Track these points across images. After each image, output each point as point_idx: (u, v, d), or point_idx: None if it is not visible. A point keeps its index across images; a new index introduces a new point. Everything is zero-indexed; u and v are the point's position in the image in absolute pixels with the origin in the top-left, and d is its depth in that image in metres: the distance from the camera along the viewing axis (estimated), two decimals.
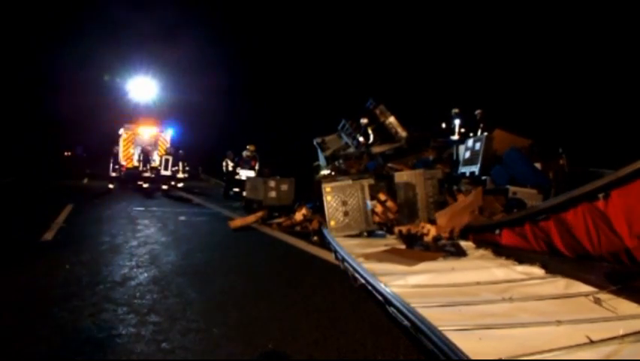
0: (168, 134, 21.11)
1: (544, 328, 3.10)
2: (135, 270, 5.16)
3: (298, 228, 8.41)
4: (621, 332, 2.91)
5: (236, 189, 15.80)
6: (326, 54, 29.69)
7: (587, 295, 3.89)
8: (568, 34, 18.88)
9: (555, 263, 4.94)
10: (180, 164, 18.18)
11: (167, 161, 17.46)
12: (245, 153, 16.20)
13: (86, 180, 21.34)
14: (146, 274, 4.98)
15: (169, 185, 17.21)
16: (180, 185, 17.95)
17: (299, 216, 8.73)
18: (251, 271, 5.54)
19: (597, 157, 8.42)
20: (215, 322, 3.55)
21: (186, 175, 18.56)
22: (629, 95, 15.09)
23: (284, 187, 10.88)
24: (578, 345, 2.77)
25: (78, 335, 3.22)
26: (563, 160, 8.51)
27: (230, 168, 16.38)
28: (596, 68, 16.84)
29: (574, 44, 18.49)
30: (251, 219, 9.13)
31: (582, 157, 8.88)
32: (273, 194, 10.77)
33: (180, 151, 18.91)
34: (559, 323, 3.15)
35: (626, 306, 3.56)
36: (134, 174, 18.10)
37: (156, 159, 18.62)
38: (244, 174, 15.34)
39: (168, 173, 17.26)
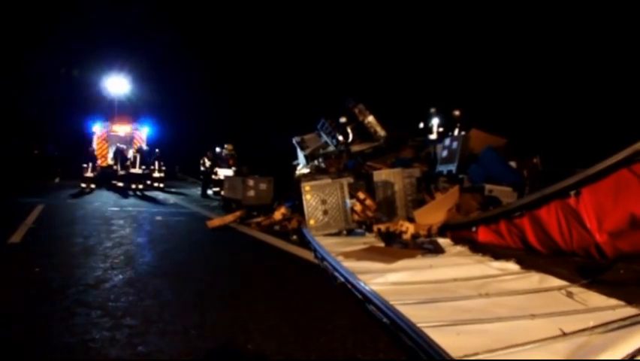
0: (144, 132, 20.79)
1: (520, 322, 3.18)
2: (110, 272, 5.04)
3: (277, 227, 8.38)
4: (591, 324, 3.02)
5: (215, 189, 15.68)
6: (305, 53, 29.65)
7: (559, 289, 4.00)
8: (543, 34, 19.29)
9: (529, 259, 5.09)
10: (156, 163, 17.88)
11: (135, 158, 17.11)
12: (223, 152, 16.07)
13: (57, 180, 20.78)
14: (121, 276, 4.88)
15: (144, 184, 16.89)
16: (156, 184, 17.65)
17: (278, 215, 8.71)
18: (229, 271, 5.50)
19: (569, 156, 8.63)
20: (193, 323, 3.50)
21: (163, 174, 18.27)
22: (599, 97, 15.51)
23: (263, 186, 10.85)
24: (552, 337, 2.85)
25: (48, 340, 3.12)
26: (536, 159, 8.69)
27: (208, 167, 16.22)
28: (570, 69, 17.25)
29: (549, 45, 18.90)
30: (229, 218, 9.06)
31: (555, 156, 9.08)
32: (251, 193, 10.72)
33: (156, 150, 18.59)
34: (533, 316, 3.24)
35: (595, 298, 3.69)
36: (108, 173, 17.73)
37: (131, 158, 18.29)
38: (222, 173, 15.21)
39: (138, 171, 16.87)
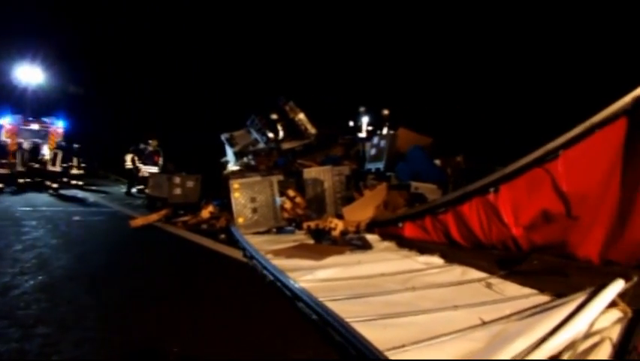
0: (61, 127, 19.40)
1: (444, 313, 3.30)
2: (19, 277, 4.61)
3: (205, 226, 8.14)
4: (508, 312, 3.21)
5: (139, 187, 15.04)
6: (236, 49, 29.15)
7: (479, 280, 4.21)
8: (464, 36, 20.28)
9: (453, 253, 5.33)
10: (75, 159, 16.78)
11: (55, 155, 15.96)
12: (147, 148, 15.43)
13: None
14: (32, 282, 4.48)
15: (60, 182, 15.77)
16: (75, 182, 16.58)
17: (205, 213, 8.49)
18: (154, 272, 5.24)
19: (490, 155, 9.11)
20: (115, 329, 3.29)
21: (82, 172, 17.18)
22: (517, 99, 16.57)
23: (190, 184, 10.54)
24: (473, 327, 2.99)
25: None
26: (460, 158, 9.12)
27: (132, 164, 15.49)
28: (491, 73, 18.26)
29: (471, 49, 19.90)
30: (154, 217, 8.70)
31: (477, 155, 9.56)
32: (178, 191, 10.38)
33: (75, 145, 17.44)
34: (456, 307, 3.37)
35: (512, 288, 3.93)
36: (19, 170, 16.34)
37: (46, 154, 17.00)
38: (147, 170, 14.61)
39: (57, 169, 15.75)
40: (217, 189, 9.78)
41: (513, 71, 17.26)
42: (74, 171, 16.68)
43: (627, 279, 3.10)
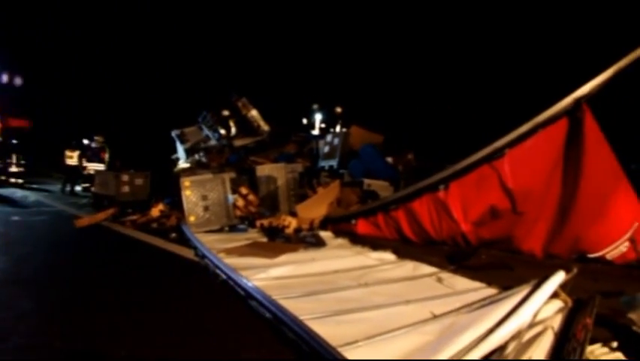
0: None
1: (396, 308, 3.34)
2: None
3: (155, 225, 7.89)
4: (458, 305, 3.29)
5: (85, 185, 14.42)
6: (188, 44, 28.44)
7: (430, 275, 4.30)
8: (416, 36, 20.71)
9: (404, 248, 5.43)
10: (14, 156, 15.86)
11: None
12: (92, 144, 14.82)
13: None
14: None
15: None
16: (14, 180, 15.68)
17: (155, 212, 8.24)
18: (100, 274, 5.00)
19: (440, 152, 9.35)
20: (57, 334, 3.08)
21: (22, 169, 16.27)
22: (467, 96, 17.14)
23: (138, 181, 10.27)
24: (424, 320, 3.04)
25: None
26: (410, 155, 9.31)
27: (78, 162, 14.83)
28: (440, 72, 18.76)
29: (422, 49, 20.36)
30: (100, 216, 8.36)
31: (427, 152, 9.80)
32: (126, 189, 10.08)
33: (13, 141, 16.48)
34: (408, 302, 3.42)
35: (461, 282, 4.03)
36: None
37: None
38: (92, 167, 14.04)
39: None
40: (167, 186, 9.53)
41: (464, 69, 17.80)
42: (13, 169, 15.81)
43: (568, 271, 3.24)
